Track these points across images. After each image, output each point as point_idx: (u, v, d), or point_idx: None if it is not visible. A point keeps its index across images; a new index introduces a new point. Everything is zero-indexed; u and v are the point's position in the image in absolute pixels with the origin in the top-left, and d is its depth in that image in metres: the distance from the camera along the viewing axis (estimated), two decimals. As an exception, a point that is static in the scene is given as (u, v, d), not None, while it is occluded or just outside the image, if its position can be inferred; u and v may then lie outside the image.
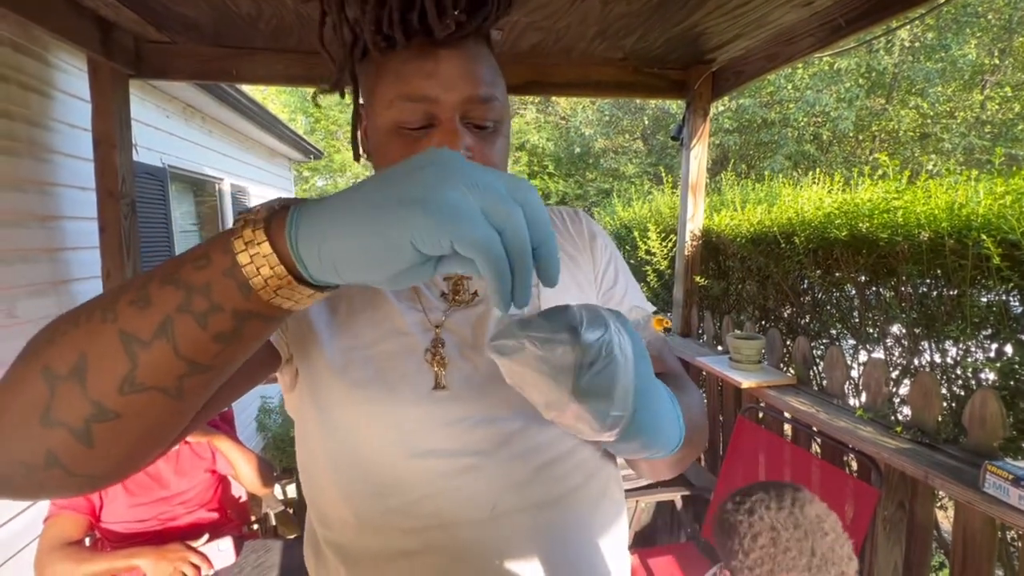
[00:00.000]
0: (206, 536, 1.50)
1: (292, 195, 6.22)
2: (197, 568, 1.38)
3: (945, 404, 1.67)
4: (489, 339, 0.37)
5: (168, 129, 2.98)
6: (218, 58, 1.94)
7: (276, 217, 0.33)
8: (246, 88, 3.41)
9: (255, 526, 1.90)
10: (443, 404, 0.53)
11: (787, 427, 1.89)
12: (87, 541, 1.50)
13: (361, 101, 0.57)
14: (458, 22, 0.48)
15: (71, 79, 2.03)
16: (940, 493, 1.78)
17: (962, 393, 1.70)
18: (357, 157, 0.59)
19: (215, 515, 1.67)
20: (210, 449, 1.67)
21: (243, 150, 4.41)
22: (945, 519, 2.41)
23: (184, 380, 0.33)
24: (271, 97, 12.37)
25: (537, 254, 0.31)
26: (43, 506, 1.80)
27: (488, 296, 0.59)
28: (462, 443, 0.53)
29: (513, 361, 0.35)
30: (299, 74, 1.99)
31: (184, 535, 1.56)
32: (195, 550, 1.41)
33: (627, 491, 2.02)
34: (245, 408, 4.12)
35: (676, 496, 1.96)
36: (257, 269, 0.32)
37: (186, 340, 0.32)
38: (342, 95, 0.57)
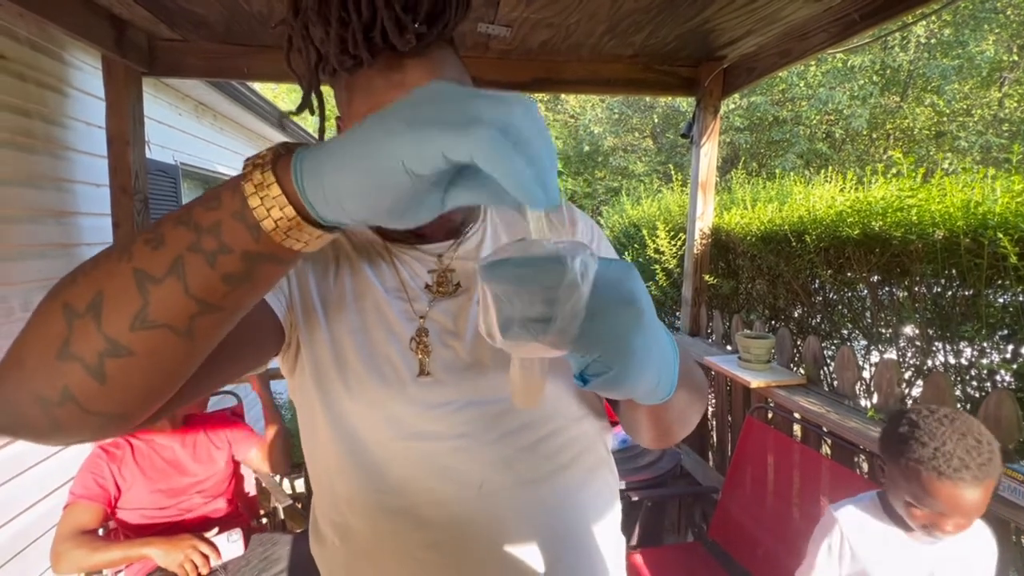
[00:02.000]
0: (216, 528, 1.52)
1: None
2: (206, 557, 1.40)
3: (959, 405, 1.64)
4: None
5: (180, 127, 3.01)
6: (230, 55, 1.96)
7: (282, 160, 0.33)
8: (256, 86, 3.44)
9: (263, 520, 1.93)
10: (427, 389, 0.56)
11: (796, 427, 1.87)
12: (100, 532, 1.53)
13: (338, 115, 0.60)
14: (419, 33, 0.51)
15: (86, 77, 2.06)
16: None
17: (977, 395, 1.68)
18: None
19: (227, 508, 1.69)
20: (227, 440, 1.71)
21: (253, 147, 4.45)
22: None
23: (195, 320, 0.34)
24: (281, 95, 12.46)
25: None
26: (55, 500, 1.83)
27: (471, 287, 0.62)
28: (447, 426, 0.56)
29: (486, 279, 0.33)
30: (309, 71, 2.00)
31: (196, 527, 1.59)
32: (206, 540, 1.43)
33: (634, 490, 2.01)
34: (255, 403, 4.16)
35: (684, 496, 1.95)
36: (267, 211, 0.32)
37: (196, 279, 0.33)
38: (312, 112, 0.59)
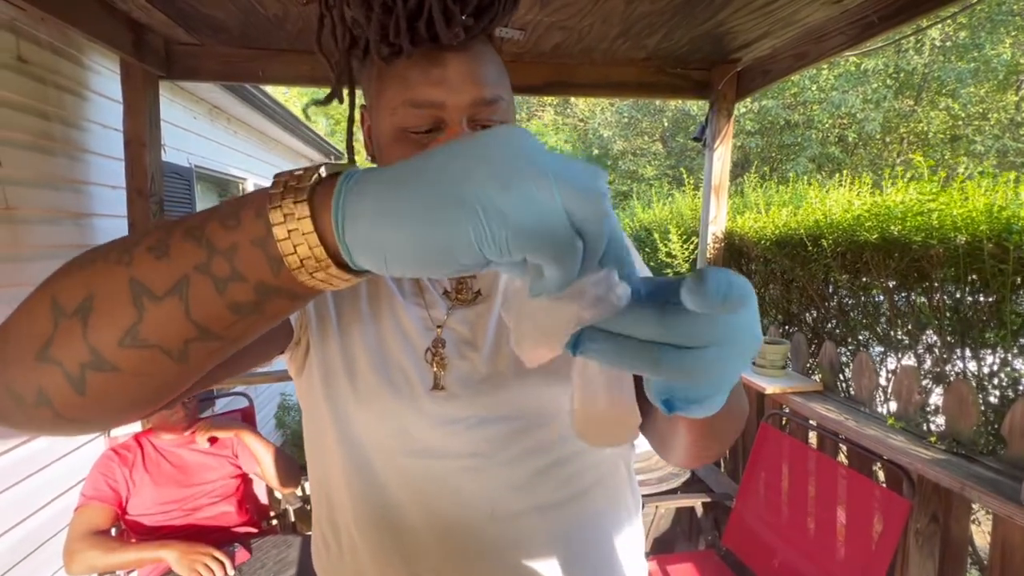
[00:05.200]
0: (237, 545, 1.52)
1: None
2: (221, 563, 1.39)
3: (982, 415, 1.60)
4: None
5: (195, 130, 3.04)
6: (245, 59, 1.97)
7: (321, 189, 0.29)
8: (269, 90, 3.47)
9: (274, 522, 1.93)
10: (440, 404, 0.53)
11: (811, 435, 1.84)
12: (112, 532, 1.53)
13: (363, 104, 0.57)
14: (465, 26, 0.47)
15: (104, 80, 2.09)
16: (974, 506, 1.71)
17: (998, 403, 1.64)
18: (352, 161, 0.60)
19: (236, 510, 1.69)
20: (231, 445, 1.70)
21: (266, 151, 4.49)
22: (979, 534, 2.32)
23: (190, 345, 0.30)
24: (293, 99, 12.59)
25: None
26: (67, 500, 1.84)
27: (491, 295, 0.58)
28: (459, 443, 0.52)
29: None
30: (323, 75, 2.00)
31: (207, 528, 1.59)
32: (220, 551, 1.43)
33: (646, 496, 1.99)
34: (264, 405, 4.19)
35: (697, 503, 1.93)
36: (294, 247, 0.28)
37: (200, 304, 0.29)
38: (340, 100, 0.55)
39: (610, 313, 0.26)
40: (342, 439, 0.54)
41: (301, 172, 0.29)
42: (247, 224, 0.29)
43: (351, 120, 0.58)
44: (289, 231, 0.28)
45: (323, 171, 0.30)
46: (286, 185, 0.29)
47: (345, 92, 0.54)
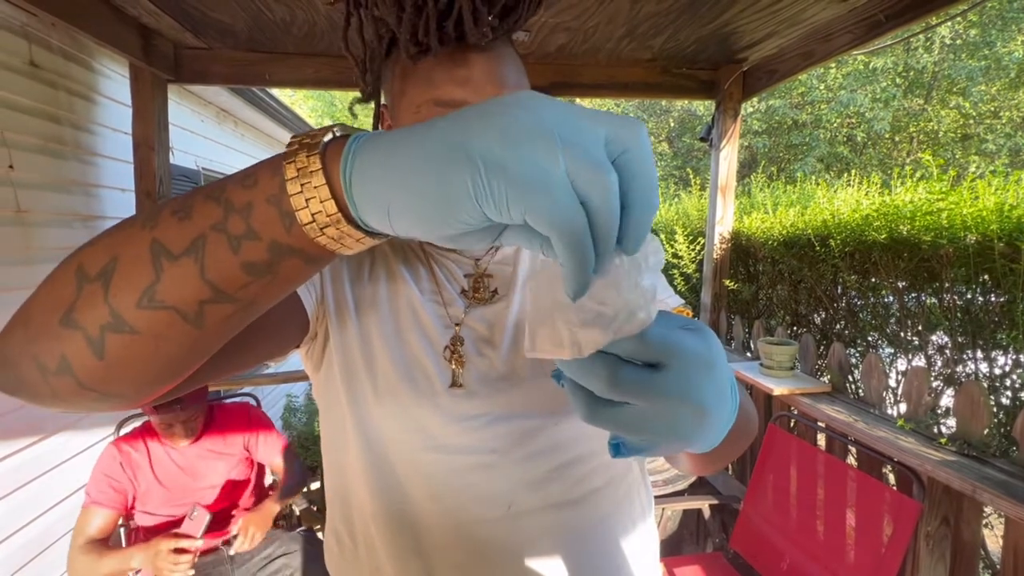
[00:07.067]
0: (197, 508, 1.50)
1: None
2: (182, 550, 1.38)
3: (994, 417, 1.58)
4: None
5: (202, 133, 3.07)
6: (252, 63, 1.99)
7: (333, 145, 0.29)
8: (276, 92, 3.49)
9: (280, 521, 1.93)
10: (459, 401, 0.54)
11: (820, 436, 1.82)
12: (122, 532, 1.54)
13: (384, 103, 0.58)
14: (491, 27, 0.49)
15: (113, 84, 2.11)
16: (986, 509, 1.69)
17: (1010, 405, 1.62)
18: None
19: (241, 510, 1.70)
20: (241, 444, 1.71)
21: (273, 153, 4.51)
22: (991, 537, 2.29)
23: (205, 307, 0.30)
24: (299, 102, 12.67)
25: (627, 215, 0.25)
26: (79, 499, 1.86)
27: (508, 294, 0.59)
28: (477, 440, 0.53)
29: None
30: (329, 77, 2.03)
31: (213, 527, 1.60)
32: (177, 535, 1.42)
33: (654, 498, 1.98)
34: (271, 406, 4.21)
35: (704, 505, 1.91)
36: (306, 201, 0.28)
37: (214, 262, 0.30)
38: (366, 99, 0.57)
39: (629, 335, 0.26)
40: (360, 433, 0.55)
41: (316, 131, 0.30)
42: (263, 182, 0.30)
43: (376, 118, 0.59)
44: (302, 185, 0.28)
45: (337, 131, 0.31)
46: (301, 142, 0.30)
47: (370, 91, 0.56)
